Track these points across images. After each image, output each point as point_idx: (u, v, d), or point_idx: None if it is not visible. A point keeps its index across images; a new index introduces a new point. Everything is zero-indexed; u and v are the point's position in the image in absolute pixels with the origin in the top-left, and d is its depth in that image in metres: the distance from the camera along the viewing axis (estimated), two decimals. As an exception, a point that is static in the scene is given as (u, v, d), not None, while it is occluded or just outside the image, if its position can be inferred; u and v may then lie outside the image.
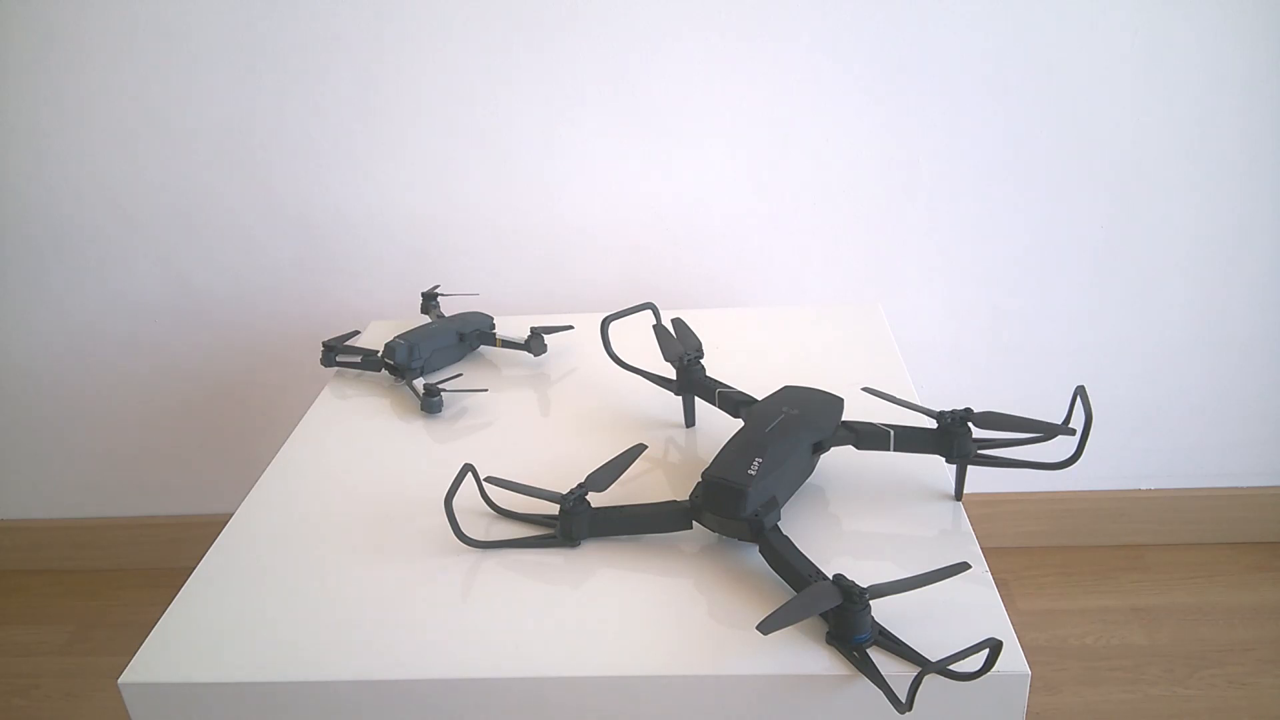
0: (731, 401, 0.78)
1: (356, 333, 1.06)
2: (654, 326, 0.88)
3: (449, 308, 1.27)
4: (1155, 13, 1.11)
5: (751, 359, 0.95)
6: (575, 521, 0.68)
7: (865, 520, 0.70)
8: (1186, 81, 1.14)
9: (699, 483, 0.68)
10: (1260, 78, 1.14)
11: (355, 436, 0.87)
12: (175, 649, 0.62)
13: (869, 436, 0.72)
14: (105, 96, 1.19)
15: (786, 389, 0.75)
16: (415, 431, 0.87)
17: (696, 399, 0.84)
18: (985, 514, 1.37)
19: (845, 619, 0.57)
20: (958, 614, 0.60)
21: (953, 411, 0.70)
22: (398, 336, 0.95)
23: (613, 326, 0.86)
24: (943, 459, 0.72)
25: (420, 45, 1.15)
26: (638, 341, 0.98)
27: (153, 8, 1.15)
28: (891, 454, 0.76)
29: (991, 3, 1.11)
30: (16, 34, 1.16)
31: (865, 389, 0.77)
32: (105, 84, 1.19)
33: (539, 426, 0.86)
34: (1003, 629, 0.59)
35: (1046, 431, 0.67)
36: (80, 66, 1.18)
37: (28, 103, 1.20)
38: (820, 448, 0.70)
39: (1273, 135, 1.17)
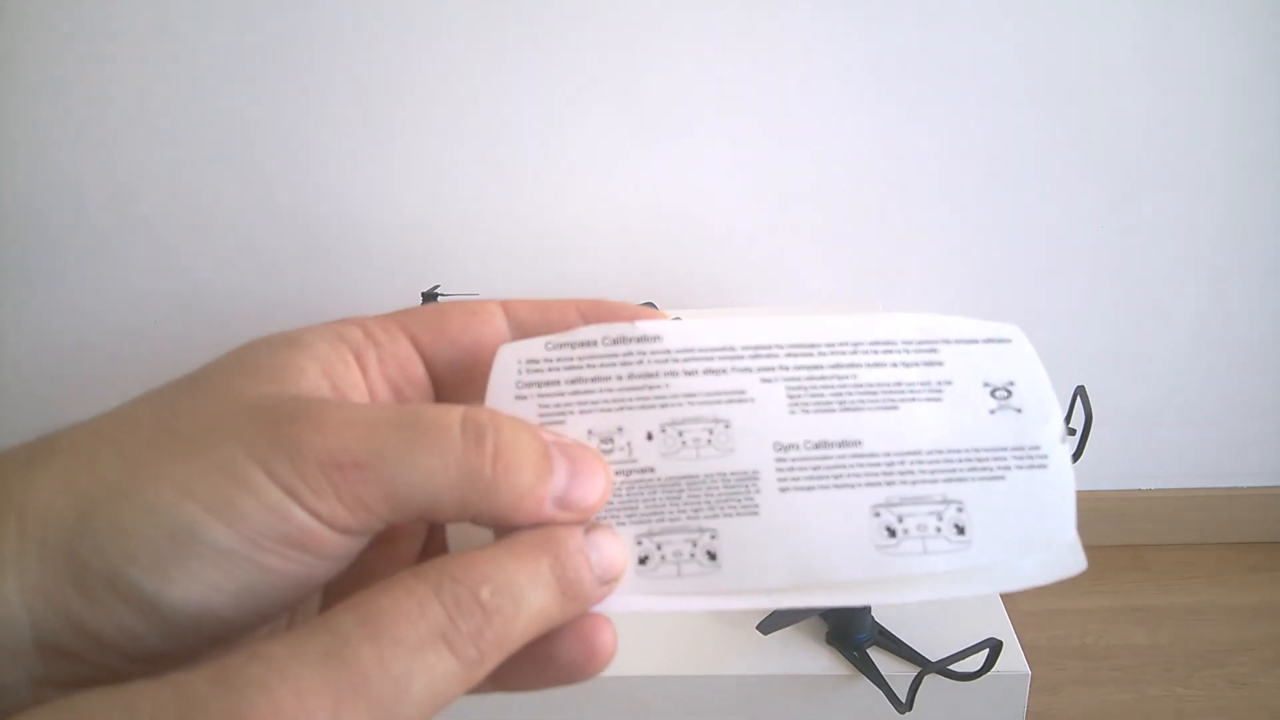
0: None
1: (356, 333, 1.05)
2: (654, 326, 0.88)
3: (449, 308, 1.27)
4: (1157, 12, 1.11)
5: (751, 359, 0.95)
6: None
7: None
8: (1188, 81, 1.14)
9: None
10: (1261, 77, 1.14)
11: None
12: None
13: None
14: (103, 95, 1.19)
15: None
16: (415, 431, 0.87)
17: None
18: (985, 514, 1.36)
19: (845, 619, 0.57)
20: (958, 614, 0.60)
21: (953, 411, 0.70)
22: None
23: (613, 326, 0.86)
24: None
25: (420, 45, 1.15)
26: (638, 341, 0.98)
27: (151, 6, 1.14)
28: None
29: (993, 2, 1.11)
30: (14, 33, 1.16)
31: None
32: (103, 82, 1.19)
33: (539, 426, 0.86)
34: (1003, 629, 0.59)
35: (1047, 431, 0.67)
36: (78, 65, 1.18)
37: (26, 101, 1.20)
38: (820, 448, 0.70)
39: (1273, 134, 1.17)
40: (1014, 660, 0.57)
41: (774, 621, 0.56)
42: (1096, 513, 1.41)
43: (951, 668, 0.53)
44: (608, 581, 0.21)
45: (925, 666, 0.53)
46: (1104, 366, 1.31)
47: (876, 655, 0.57)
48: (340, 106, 1.19)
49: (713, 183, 1.22)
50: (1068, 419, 0.68)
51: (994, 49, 1.13)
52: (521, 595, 0.19)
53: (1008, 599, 0.63)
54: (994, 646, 0.52)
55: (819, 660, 0.58)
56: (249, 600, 0.18)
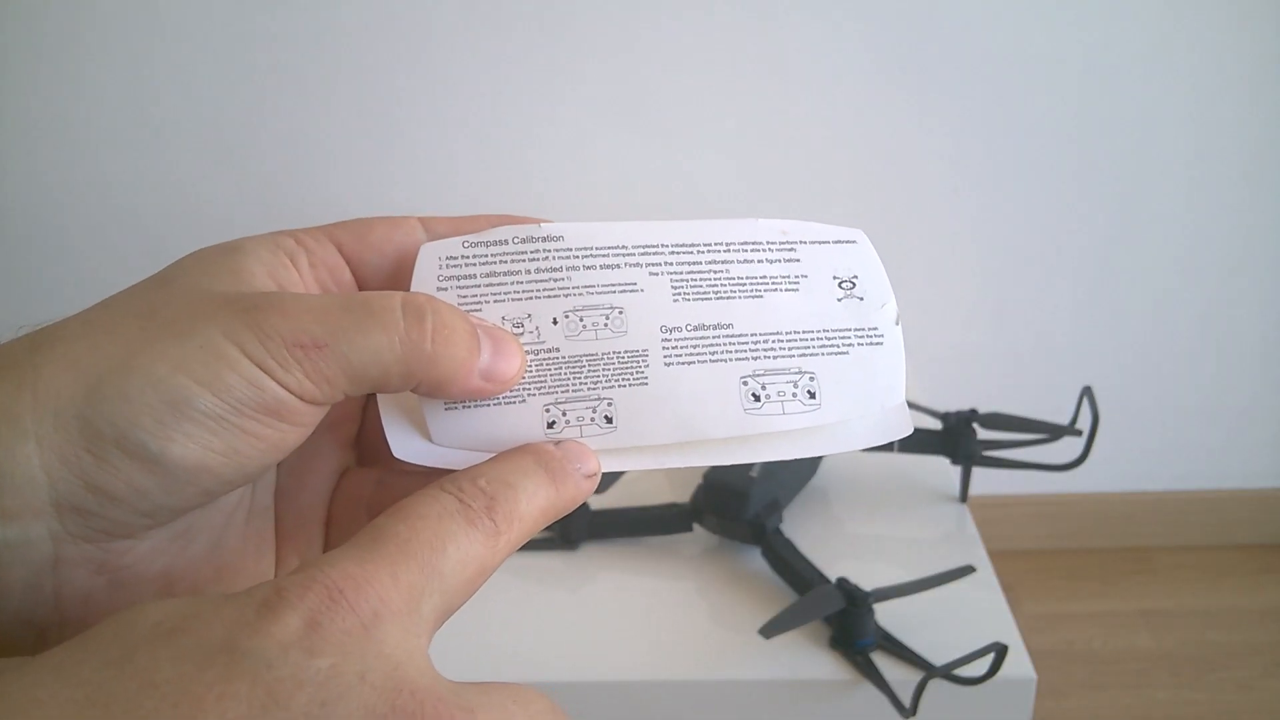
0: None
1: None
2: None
3: (449, 308, 1.26)
4: (1159, 10, 1.10)
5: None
6: (574, 523, 0.68)
7: (869, 523, 0.69)
8: (1190, 80, 1.13)
9: (700, 484, 0.67)
10: (1264, 77, 1.13)
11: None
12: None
13: (873, 437, 0.70)
14: (98, 92, 1.19)
15: (789, 389, 0.74)
16: (414, 433, 0.86)
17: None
18: (990, 516, 1.35)
19: (849, 623, 0.57)
20: (963, 618, 0.60)
21: (958, 412, 0.69)
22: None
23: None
24: (948, 460, 0.71)
25: (417, 44, 1.15)
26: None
27: (150, 4, 1.14)
28: (896, 455, 0.75)
29: (990, 2, 1.10)
30: (7, 29, 1.16)
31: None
32: (98, 79, 1.18)
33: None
34: (1009, 633, 0.58)
35: (1053, 432, 0.66)
36: (72, 61, 1.17)
37: (20, 99, 1.20)
38: (823, 449, 0.69)
39: (1276, 134, 1.16)
40: (1019, 665, 0.56)
41: (777, 625, 0.55)
42: (1103, 515, 1.40)
43: (956, 672, 0.52)
44: (589, 475, 0.25)
45: (930, 671, 0.52)
46: (1111, 367, 1.30)
47: (880, 660, 0.57)
48: (337, 105, 1.18)
49: (714, 183, 1.21)
50: (1074, 420, 0.67)
51: (998, 47, 1.13)
52: (512, 480, 0.23)
53: (1013, 602, 0.63)
54: (999, 651, 0.51)
55: (822, 665, 0.57)
56: (235, 459, 0.22)
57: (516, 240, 0.28)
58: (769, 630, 0.55)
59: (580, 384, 0.27)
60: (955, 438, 0.69)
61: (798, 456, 0.28)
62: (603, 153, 1.20)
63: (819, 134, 1.18)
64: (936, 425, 0.71)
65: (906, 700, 0.53)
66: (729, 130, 1.18)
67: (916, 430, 0.70)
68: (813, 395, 0.28)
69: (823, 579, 0.60)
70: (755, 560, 0.66)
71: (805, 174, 1.20)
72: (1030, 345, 1.29)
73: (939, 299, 1.26)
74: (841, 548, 0.67)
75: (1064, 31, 1.12)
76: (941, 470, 0.74)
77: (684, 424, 0.27)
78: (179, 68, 1.17)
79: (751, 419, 0.27)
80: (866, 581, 0.61)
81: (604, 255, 0.29)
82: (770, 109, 1.17)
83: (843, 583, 0.58)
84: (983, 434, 0.70)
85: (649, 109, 1.17)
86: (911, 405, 0.73)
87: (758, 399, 0.28)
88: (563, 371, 0.27)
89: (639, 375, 0.27)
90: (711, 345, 0.28)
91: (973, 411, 0.69)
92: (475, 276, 0.28)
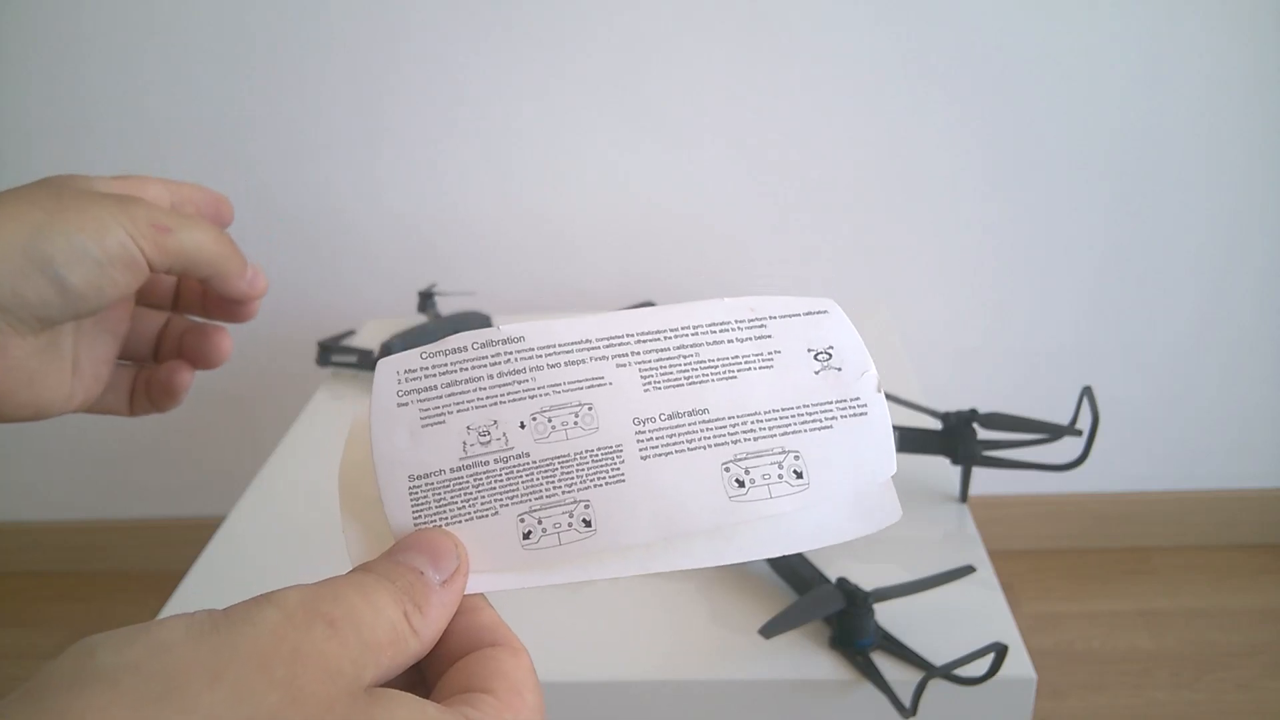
0: (732, 401, 0.76)
1: (351, 332, 1.05)
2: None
3: (446, 307, 1.26)
4: (1159, 10, 1.10)
5: (753, 359, 0.94)
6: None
7: (869, 522, 0.69)
8: (1190, 80, 1.13)
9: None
10: (1264, 77, 1.13)
11: (351, 437, 0.86)
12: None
13: (872, 437, 0.70)
14: (98, 92, 1.19)
15: (788, 389, 0.74)
16: (412, 432, 0.86)
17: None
18: (991, 516, 1.35)
19: (849, 623, 0.56)
20: (963, 618, 0.59)
21: (958, 412, 0.69)
22: (394, 336, 0.94)
23: (612, 326, 0.85)
24: (948, 460, 0.71)
25: (417, 42, 1.15)
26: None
27: (146, 2, 1.14)
28: (896, 456, 0.74)
29: (993, 1, 1.10)
30: (8, 31, 1.15)
31: (868, 389, 0.75)
32: (98, 80, 1.18)
33: (537, 427, 0.85)
34: (1008, 633, 0.58)
35: (1053, 432, 0.66)
36: (72, 62, 1.17)
37: (20, 100, 1.19)
38: (823, 448, 0.69)
39: (1277, 135, 1.16)
40: (1019, 665, 0.56)
41: (777, 625, 0.55)
42: (1103, 515, 1.39)
43: (956, 672, 0.52)
44: (447, 580, 0.26)
45: (930, 671, 0.52)
46: (1111, 368, 1.30)
47: (880, 660, 0.56)
48: (335, 104, 1.18)
49: (714, 181, 1.21)
50: (1074, 420, 0.67)
51: (997, 49, 1.12)
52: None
53: (1013, 602, 0.62)
54: (999, 651, 0.51)
55: (822, 665, 0.57)
56: (99, 293, 0.34)
57: (476, 345, 0.28)
58: (769, 630, 0.54)
59: (554, 488, 0.26)
60: (955, 438, 0.69)
61: (785, 553, 0.27)
62: (602, 150, 1.20)
63: (822, 134, 1.18)
64: (936, 425, 0.71)
65: (906, 700, 0.53)
66: (731, 130, 1.18)
67: (916, 430, 0.70)
68: (799, 475, 0.27)
69: (823, 579, 0.60)
70: (756, 560, 0.65)
71: (808, 174, 1.20)
72: (1031, 345, 1.29)
73: (940, 299, 1.26)
74: (841, 548, 0.66)
75: (1068, 35, 1.12)
76: (941, 470, 0.73)
77: (667, 519, 0.26)
78: (176, 68, 1.17)
79: (738, 505, 0.26)
80: (866, 581, 0.61)
81: (568, 352, 0.28)
82: (774, 110, 1.17)
83: (843, 583, 0.58)
84: (983, 434, 0.70)
85: (650, 106, 1.17)
86: (911, 405, 0.73)
87: (742, 484, 0.27)
88: (535, 477, 0.26)
89: (615, 472, 0.26)
90: (688, 434, 0.27)
91: (973, 411, 0.69)
92: (436, 388, 0.27)
